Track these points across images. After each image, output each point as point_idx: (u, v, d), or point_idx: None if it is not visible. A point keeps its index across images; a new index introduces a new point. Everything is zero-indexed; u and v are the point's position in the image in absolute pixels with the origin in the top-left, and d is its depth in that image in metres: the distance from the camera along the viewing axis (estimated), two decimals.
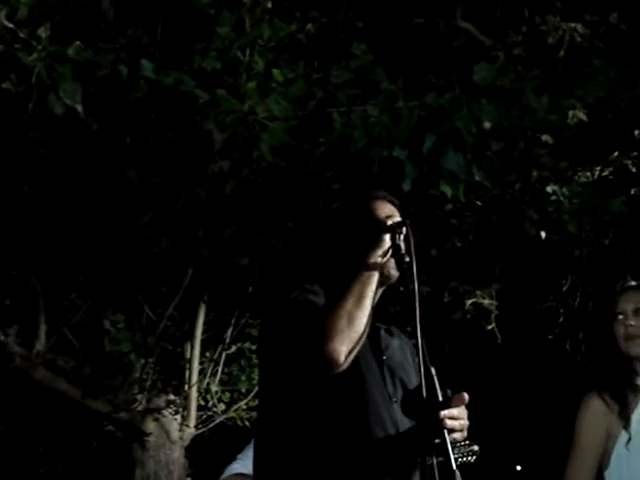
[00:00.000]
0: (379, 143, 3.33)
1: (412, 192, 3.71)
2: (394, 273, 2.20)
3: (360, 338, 2.04)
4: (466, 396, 2.05)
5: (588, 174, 5.18)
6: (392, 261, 2.19)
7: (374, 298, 2.12)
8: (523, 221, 4.71)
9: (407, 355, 2.36)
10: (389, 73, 3.57)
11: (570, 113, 3.99)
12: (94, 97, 3.30)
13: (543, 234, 5.09)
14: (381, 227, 2.22)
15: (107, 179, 3.44)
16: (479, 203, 4.89)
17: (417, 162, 3.33)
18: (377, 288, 2.20)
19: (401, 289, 2.21)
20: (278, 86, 3.19)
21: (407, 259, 2.15)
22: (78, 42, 2.62)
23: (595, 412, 2.54)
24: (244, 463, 4.18)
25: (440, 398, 1.92)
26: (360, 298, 2.07)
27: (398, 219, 2.24)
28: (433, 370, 1.96)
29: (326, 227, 2.36)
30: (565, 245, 5.75)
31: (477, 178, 3.40)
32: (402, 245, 2.19)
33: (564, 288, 6.82)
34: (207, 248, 3.75)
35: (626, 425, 2.51)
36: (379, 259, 2.16)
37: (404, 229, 2.20)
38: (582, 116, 4.02)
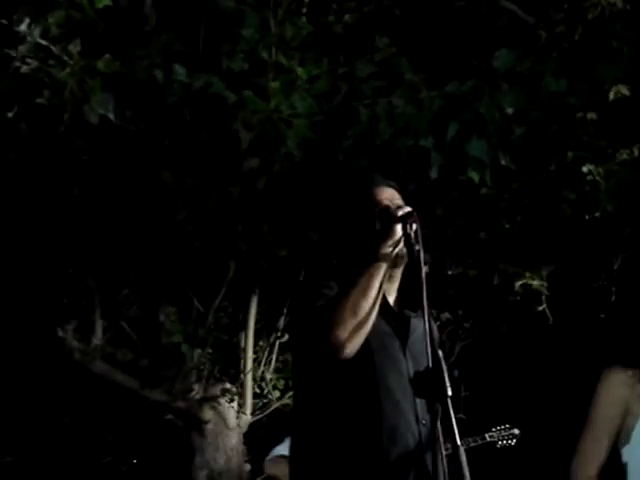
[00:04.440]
0: (404, 133, 3.42)
1: (443, 178, 3.79)
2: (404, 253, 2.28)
3: (365, 326, 2.15)
4: None
5: (628, 152, 5.15)
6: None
7: (382, 286, 2.22)
8: (560, 202, 4.73)
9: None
10: (413, 63, 3.64)
11: (613, 89, 4.00)
12: (131, 103, 3.48)
13: (587, 216, 5.08)
14: (392, 218, 2.31)
15: (143, 181, 3.62)
16: (514, 186, 4.92)
17: (442, 150, 3.41)
18: (394, 269, 2.31)
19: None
20: (303, 83, 3.30)
21: (417, 247, 2.24)
22: (107, 55, 2.78)
23: (615, 387, 2.52)
24: (287, 445, 4.35)
25: (447, 380, 2.02)
26: (365, 289, 2.19)
27: (408, 209, 2.33)
28: (440, 353, 2.06)
29: (335, 220, 2.46)
30: (616, 223, 5.72)
31: (503, 163, 3.46)
32: (412, 234, 2.28)
33: (615, 266, 6.76)
34: (246, 242, 3.90)
35: None
36: (389, 249, 2.26)
37: (415, 218, 2.29)
38: (625, 91, 4.02)
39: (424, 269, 2.17)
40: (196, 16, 4.04)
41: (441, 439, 1.98)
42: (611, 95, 4.11)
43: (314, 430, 2.28)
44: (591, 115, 4.38)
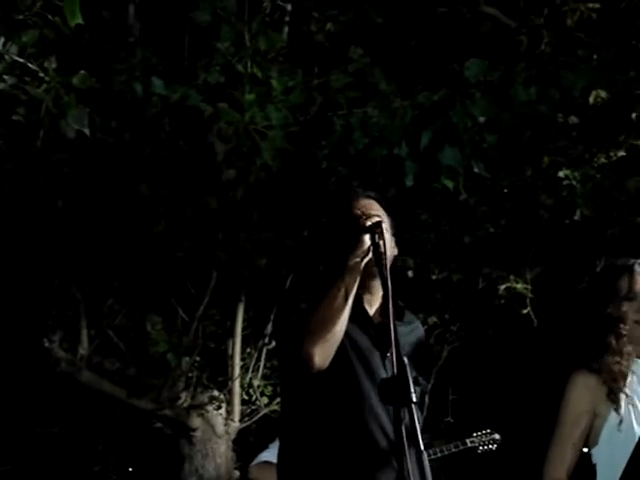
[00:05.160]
0: (379, 143, 3.48)
1: (421, 185, 3.85)
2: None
3: (333, 338, 2.20)
4: None
5: (605, 156, 5.22)
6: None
7: (349, 297, 2.25)
8: (538, 207, 4.80)
9: (409, 339, 2.46)
10: (387, 73, 3.71)
11: (593, 93, 4.07)
12: (110, 115, 3.53)
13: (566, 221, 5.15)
14: (360, 228, 2.34)
15: (122, 194, 3.67)
16: (496, 189, 4.98)
17: (416, 159, 3.47)
18: (372, 280, 2.34)
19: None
20: (278, 95, 3.35)
21: (384, 257, 2.28)
22: (83, 71, 2.83)
23: (583, 390, 2.58)
24: (273, 452, 4.40)
25: (412, 387, 2.07)
26: (331, 301, 2.22)
27: (376, 219, 2.36)
28: (406, 360, 2.11)
29: (314, 232, 2.53)
30: (598, 225, 5.78)
31: (476, 170, 3.52)
32: (381, 243, 2.31)
33: (598, 269, 6.81)
34: (225, 251, 3.96)
35: (617, 407, 2.55)
36: (357, 260, 2.29)
37: (382, 227, 2.32)
38: (604, 95, 4.09)
39: (389, 280, 2.21)
40: (174, 30, 4.10)
41: (405, 444, 2.03)
42: (590, 99, 4.18)
43: (300, 437, 2.33)
44: (572, 119, 4.46)
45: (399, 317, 2.45)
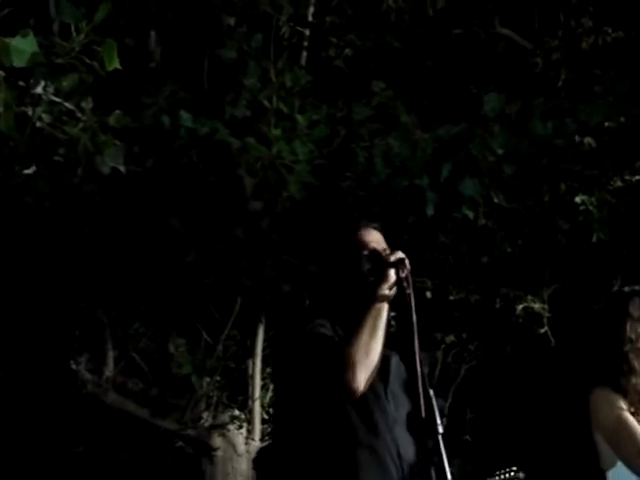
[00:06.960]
0: (400, 173, 3.58)
1: (440, 214, 3.95)
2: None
3: (374, 365, 2.29)
4: None
5: (620, 179, 5.31)
6: None
7: (384, 324, 2.35)
8: (555, 232, 4.88)
9: (401, 370, 2.51)
10: (408, 104, 3.82)
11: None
12: (139, 147, 3.66)
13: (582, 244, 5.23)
14: (385, 263, 2.45)
15: (152, 226, 3.79)
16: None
17: (437, 189, 3.57)
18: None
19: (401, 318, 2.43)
20: (303, 129, 3.46)
21: (408, 291, 2.38)
22: (118, 111, 2.95)
23: (612, 398, 2.64)
24: None
25: (438, 418, 2.16)
26: (374, 330, 2.32)
27: (400, 255, 2.46)
28: (431, 392, 2.20)
29: (327, 263, 2.59)
30: (615, 245, 5.85)
31: (496, 200, 3.62)
32: (404, 278, 2.41)
33: (615, 288, 6.88)
34: (250, 278, 4.06)
35: None
36: (387, 292, 2.40)
37: (406, 263, 2.43)
38: (620, 119, 4.18)
39: (414, 315, 2.30)
40: (199, 63, 4.22)
41: (433, 474, 2.12)
42: (606, 122, 4.28)
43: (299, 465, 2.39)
44: (588, 140, 4.55)
45: (393, 348, 2.46)
